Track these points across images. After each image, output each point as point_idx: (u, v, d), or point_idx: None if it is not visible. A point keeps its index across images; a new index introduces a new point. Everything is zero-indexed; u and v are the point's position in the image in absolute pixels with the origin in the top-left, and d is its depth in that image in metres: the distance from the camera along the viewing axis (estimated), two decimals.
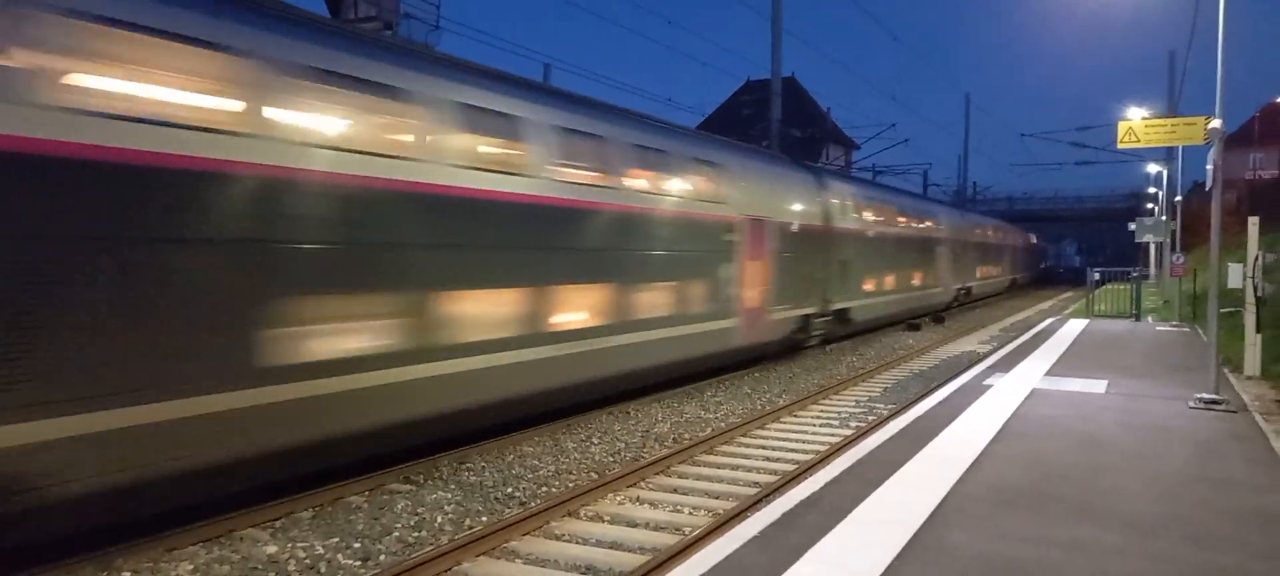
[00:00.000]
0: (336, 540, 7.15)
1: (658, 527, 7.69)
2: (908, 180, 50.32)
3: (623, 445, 10.62)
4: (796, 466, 9.60)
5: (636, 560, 6.78)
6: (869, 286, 22.83)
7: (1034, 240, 67.15)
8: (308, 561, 6.73)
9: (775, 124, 27.60)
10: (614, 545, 7.21)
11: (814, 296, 18.72)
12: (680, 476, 9.40)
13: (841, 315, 20.65)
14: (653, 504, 8.40)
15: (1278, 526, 6.03)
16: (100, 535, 6.55)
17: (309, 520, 7.63)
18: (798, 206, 18.17)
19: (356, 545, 7.07)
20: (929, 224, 29.94)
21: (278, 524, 7.50)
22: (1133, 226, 29.99)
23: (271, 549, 6.94)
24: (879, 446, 8.41)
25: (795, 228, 17.78)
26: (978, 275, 38.64)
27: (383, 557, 6.87)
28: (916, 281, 27.78)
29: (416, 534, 7.39)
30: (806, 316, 18.50)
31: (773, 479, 9.15)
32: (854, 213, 21.97)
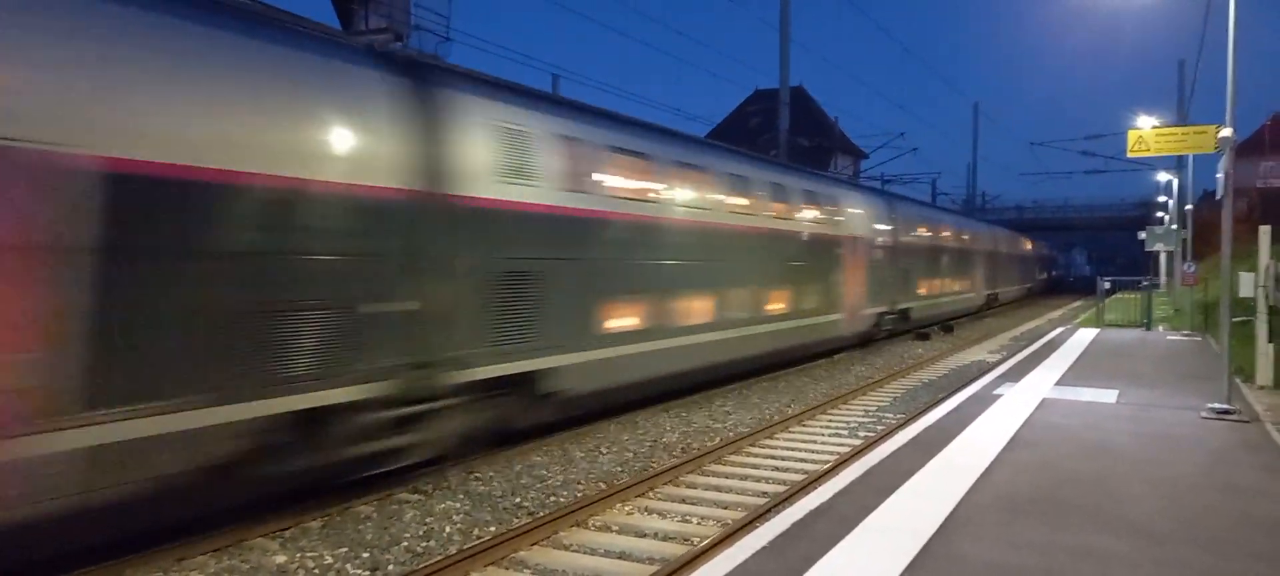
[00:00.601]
0: (345, 549, 7.15)
1: (667, 537, 7.67)
2: (917, 189, 50.31)
3: (631, 454, 10.61)
4: (806, 476, 9.57)
5: (646, 570, 6.76)
6: (623, 320, 11.77)
7: (1028, 246, 55.15)
8: (316, 571, 6.74)
9: (783, 133, 27.63)
10: (623, 555, 7.20)
11: (403, 348, 8.41)
12: (689, 486, 9.38)
13: (528, 388, 10.15)
14: (662, 514, 8.38)
15: None
16: (110, 546, 6.57)
17: (318, 530, 7.63)
18: (335, 144, 7.80)
19: (365, 555, 7.07)
20: (813, 214, 18.35)
21: (287, 533, 7.51)
22: (1143, 235, 29.89)
23: (280, 558, 6.95)
24: (889, 455, 8.37)
25: (316, 189, 7.56)
26: (920, 292, 26.78)
27: (391, 567, 6.87)
28: (778, 306, 16.48)
29: (425, 543, 7.39)
30: (372, 404, 8.12)
31: (782, 488, 9.12)
32: (585, 170, 11.09)
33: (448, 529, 7.75)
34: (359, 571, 6.77)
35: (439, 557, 6.98)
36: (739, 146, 20.66)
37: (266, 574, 6.68)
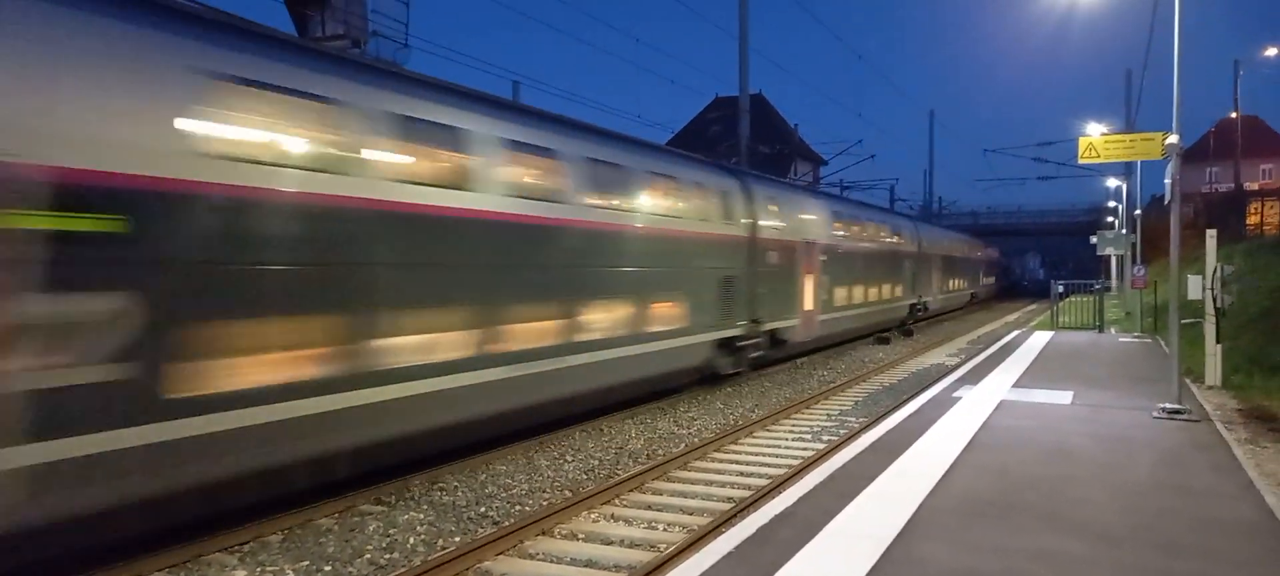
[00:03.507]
0: (307, 563, 7.05)
1: (633, 544, 7.67)
2: (875, 195, 50.84)
3: (597, 462, 10.59)
4: (770, 481, 9.63)
5: None
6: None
7: (971, 248, 48.32)
8: None
9: (744, 140, 27.82)
10: (589, 563, 7.18)
11: None
12: (654, 492, 9.39)
13: None
14: (628, 521, 8.38)
15: (1242, 534, 6.15)
16: (63, 563, 6.40)
17: (278, 543, 7.51)
18: None
19: (327, 568, 6.97)
20: (574, 192, 11.79)
21: (246, 547, 7.38)
22: (1094, 239, 30.57)
23: (240, 573, 6.83)
24: (851, 460, 8.46)
25: None
26: (805, 306, 19.96)
27: None
28: (494, 343, 10.01)
29: (388, 556, 7.31)
30: None
31: (746, 494, 9.17)
32: None
33: (411, 540, 7.67)
34: None
35: (403, 569, 6.91)
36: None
37: None
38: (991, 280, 59.73)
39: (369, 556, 7.26)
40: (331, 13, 13.85)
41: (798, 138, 51.22)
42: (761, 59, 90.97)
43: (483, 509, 8.60)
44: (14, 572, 6.04)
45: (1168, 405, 10.88)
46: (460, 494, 9.08)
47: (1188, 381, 14.01)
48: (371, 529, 7.91)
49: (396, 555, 7.32)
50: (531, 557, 7.37)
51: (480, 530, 7.99)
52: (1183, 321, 11.94)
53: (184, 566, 6.94)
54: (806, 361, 21.06)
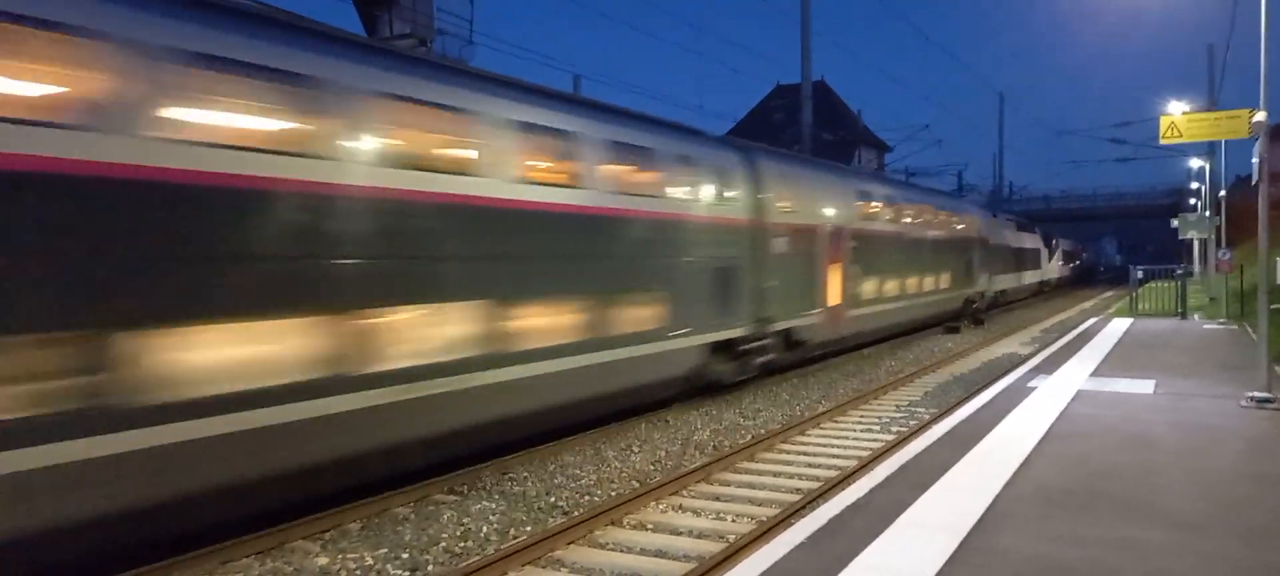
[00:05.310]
0: (385, 551, 7.25)
1: (702, 535, 7.70)
2: (943, 181, 49.85)
3: (663, 453, 10.64)
4: (840, 472, 9.56)
5: (682, 568, 6.79)
6: None
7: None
8: (358, 572, 6.84)
9: (807, 128, 27.53)
10: (659, 553, 7.24)
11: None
12: (722, 484, 9.40)
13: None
14: (696, 511, 8.41)
15: None
16: (154, 548, 6.70)
17: (357, 531, 7.74)
18: None
19: (405, 555, 7.16)
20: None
21: (327, 535, 7.62)
22: (1176, 222, 29.46)
23: (322, 560, 7.06)
24: (923, 450, 8.34)
25: None
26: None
27: (431, 567, 6.96)
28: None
29: (463, 544, 7.47)
30: None
31: (816, 485, 9.12)
32: None
33: (485, 529, 7.83)
34: (399, 572, 6.86)
35: (477, 558, 7.06)
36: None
37: (310, 575, 6.79)
38: (1079, 263, 74.13)
39: (444, 544, 7.43)
40: (399, 12, 14.10)
41: (861, 124, 50.49)
42: (824, 43, 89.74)
43: (552, 499, 8.72)
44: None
45: (1256, 393, 10.46)
46: (530, 484, 9.22)
47: (1277, 369, 13.44)
48: (446, 517, 8.09)
49: (470, 543, 7.48)
50: (602, 547, 7.45)
51: (551, 520, 8.11)
52: (1272, 306, 11.47)
53: (270, 553, 7.20)
54: (873, 352, 20.84)
